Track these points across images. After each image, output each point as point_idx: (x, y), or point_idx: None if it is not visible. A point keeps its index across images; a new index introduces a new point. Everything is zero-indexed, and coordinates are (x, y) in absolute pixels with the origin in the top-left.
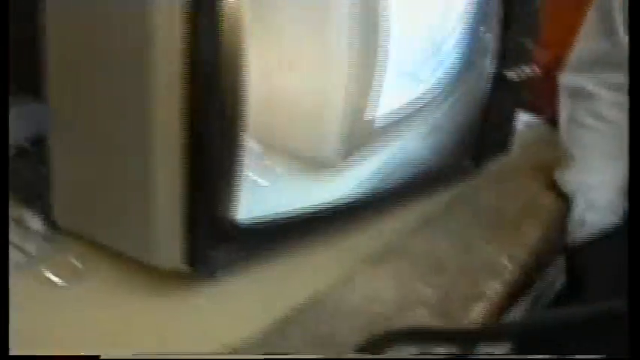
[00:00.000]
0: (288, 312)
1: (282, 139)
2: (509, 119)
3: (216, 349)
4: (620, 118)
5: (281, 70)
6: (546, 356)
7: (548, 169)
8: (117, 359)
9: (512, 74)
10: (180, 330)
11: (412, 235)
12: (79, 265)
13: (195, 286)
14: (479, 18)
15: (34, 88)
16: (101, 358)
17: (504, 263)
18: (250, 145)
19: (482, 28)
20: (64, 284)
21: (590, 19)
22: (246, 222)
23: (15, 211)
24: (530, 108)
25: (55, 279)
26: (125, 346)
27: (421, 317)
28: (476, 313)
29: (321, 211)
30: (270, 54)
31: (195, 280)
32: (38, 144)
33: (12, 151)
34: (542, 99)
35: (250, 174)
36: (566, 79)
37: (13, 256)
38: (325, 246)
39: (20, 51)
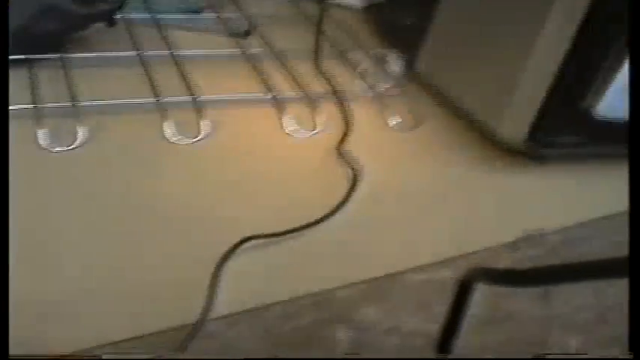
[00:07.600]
0: None
1: None
2: None
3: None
4: None
5: None
6: (546, 355)
7: None
8: (118, 359)
9: None
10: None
11: None
12: (418, 111)
13: (520, 169)
14: None
15: None
16: (103, 357)
17: None
18: None
19: None
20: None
21: None
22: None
23: (380, 50)
24: None
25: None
26: None
27: None
28: None
29: None
30: None
31: (523, 162)
32: None
33: None
34: None
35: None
36: None
37: (360, 86)
38: None
39: None
